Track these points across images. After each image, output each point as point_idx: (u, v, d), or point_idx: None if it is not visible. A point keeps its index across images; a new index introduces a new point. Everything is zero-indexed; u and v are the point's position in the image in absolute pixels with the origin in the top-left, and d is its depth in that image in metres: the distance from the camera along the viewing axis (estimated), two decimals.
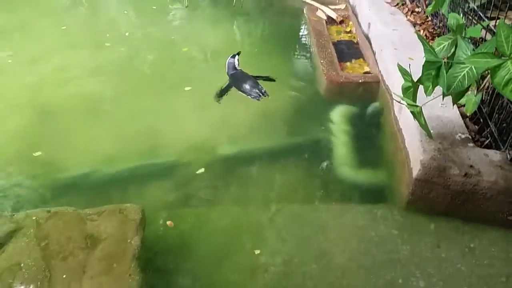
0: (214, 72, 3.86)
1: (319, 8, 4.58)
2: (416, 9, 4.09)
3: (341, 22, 4.51)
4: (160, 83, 3.73)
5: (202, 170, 2.79)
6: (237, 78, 3.65)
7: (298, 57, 4.17)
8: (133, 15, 4.89)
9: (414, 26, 3.81)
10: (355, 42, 4.22)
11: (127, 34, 4.42)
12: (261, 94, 3.51)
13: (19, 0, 5.37)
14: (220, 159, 2.91)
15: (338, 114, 3.30)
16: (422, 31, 3.75)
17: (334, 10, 4.56)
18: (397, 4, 4.22)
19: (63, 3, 5.19)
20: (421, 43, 2.12)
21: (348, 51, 4.07)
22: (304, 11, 4.68)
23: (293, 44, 4.36)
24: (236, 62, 3.74)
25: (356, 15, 4.46)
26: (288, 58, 4.13)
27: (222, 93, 3.56)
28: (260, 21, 4.78)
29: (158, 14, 4.84)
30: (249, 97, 3.52)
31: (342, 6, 4.68)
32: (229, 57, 3.75)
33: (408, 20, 3.92)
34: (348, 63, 3.87)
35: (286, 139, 3.14)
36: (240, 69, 3.72)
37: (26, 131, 3.10)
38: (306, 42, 4.34)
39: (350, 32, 4.39)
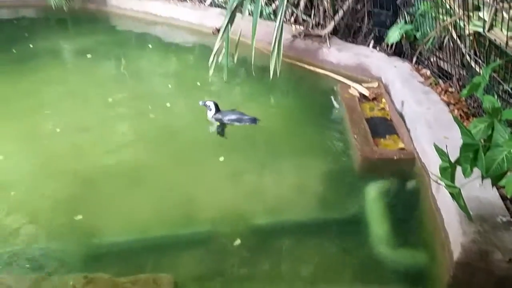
0: (248, 143, 4.02)
1: (352, 86, 4.78)
2: (450, 89, 4.21)
3: (374, 99, 4.66)
4: (196, 153, 3.90)
5: (238, 241, 2.82)
6: (224, 115, 4.32)
7: (332, 131, 4.29)
8: (175, 88, 5.22)
9: (448, 106, 3.89)
10: (389, 119, 4.33)
11: (168, 105, 4.71)
12: (255, 119, 4.26)
13: (72, 70, 5.91)
14: (254, 231, 2.95)
15: (374, 190, 3.31)
16: (456, 110, 3.83)
17: (366, 88, 4.74)
18: (430, 84, 4.36)
19: (111, 75, 5.63)
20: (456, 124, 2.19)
21: (382, 127, 4.17)
22: (337, 88, 4.88)
23: (327, 119, 4.51)
24: (212, 106, 4.32)
25: (389, 93, 4.61)
26: (322, 132, 4.25)
27: (222, 132, 4.20)
28: (295, 96, 5.00)
29: (198, 88, 5.16)
30: (246, 123, 4.25)
31: (375, 84, 4.87)
32: (204, 104, 4.35)
33: (442, 99, 4.02)
34: (381, 139, 3.94)
35: (320, 213, 3.16)
36: (220, 110, 4.32)
37: (68, 196, 3.26)
38: (339, 117, 4.48)
39: (383, 109, 4.52)
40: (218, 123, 4.33)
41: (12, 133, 4.19)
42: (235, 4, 4.01)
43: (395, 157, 3.59)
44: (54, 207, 3.15)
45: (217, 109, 4.35)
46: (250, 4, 4.78)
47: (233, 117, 4.33)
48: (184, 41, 6.83)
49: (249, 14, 4.62)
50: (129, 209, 3.16)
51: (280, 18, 4.03)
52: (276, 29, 4.03)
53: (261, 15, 5.89)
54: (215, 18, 6.71)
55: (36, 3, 8.35)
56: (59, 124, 4.29)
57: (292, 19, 6.26)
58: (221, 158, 3.74)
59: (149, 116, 4.49)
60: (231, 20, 4.14)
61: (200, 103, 4.41)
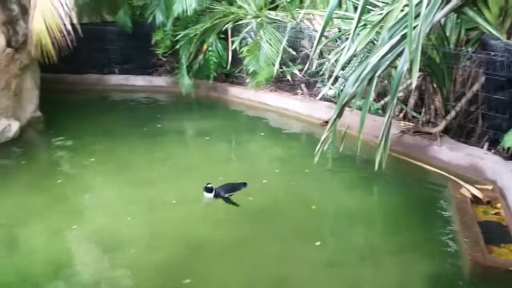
0: (346, 231, 4.05)
1: (464, 186, 4.63)
2: None
3: (488, 202, 4.43)
4: (294, 233, 4.06)
5: None
6: (223, 189, 4.75)
7: (438, 231, 4.14)
8: (281, 171, 5.56)
9: None
10: (504, 225, 4.05)
11: (264, 181, 5.07)
12: (245, 183, 4.90)
13: (191, 149, 6.66)
14: None
15: None
16: None
17: (480, 189, 4.55)
18: None
19: (224, 156, 6.23)
20: None
21: (496, 233, 3.91)
22: (447, 187, 4.76)
23: (433, 217, 4.38)
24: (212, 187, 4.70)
25: (504, 198, 4.36)
26: (427, 230, 4.13)
27: (229, 200, 4.65)
28: (399, 190, 4.96)
29: (298, 172, 5.44)
30: (241, 189, 4.82)
31: (489, 187, 4.65)
32: (206, 189, 4.68)
33: None
34: (495, 247, 3.69)
35: None
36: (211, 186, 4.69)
37: (178, 259, 3.62)
38: (448, 217, 4.32)
39: (498, 214, 4.26)
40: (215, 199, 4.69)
41: (138, 198, 4.82)
42: (345, 100, 4.34)
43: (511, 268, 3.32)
44: (167, 268, 3.51)
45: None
46: (359, 100, 5.08)
47: (229, 188, 4.80)
48: (292, 129, 7.33)
49: (357, 108, 4.89)
50: (230, 277, 3.40)
51: (390, 113, 4.22)
52: (384, 123, 4.21)
53: (369, 109, 6.15)
54: (323, 110, 7.14)
55: (169, 90, 9.74)
56: (176, 195, 4.84)
57: (401, 115, 6.40)
58: (318, 243, 3.82)
59: (252, 194, 4.83)
60: (340, 114, 4.45)
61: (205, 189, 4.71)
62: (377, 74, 4.25)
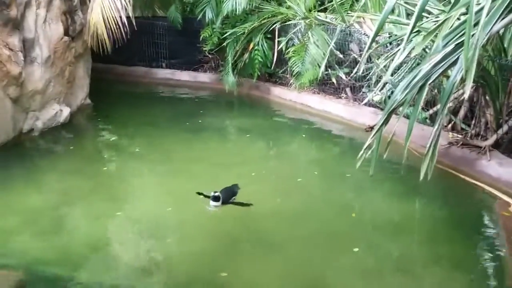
0: (386, 240, 4.01)
1: None
2: None
3: None
4: (333, 237, 4.06)
5: None
6: (226, 195, 4.62)
7: (482, 248, 4.01)
8: (320, 175, 5.53)
9: None
10: None
11: (299, 180, 5.04)
12: (236, 185, 4.83)
13: (231, 145, 6.75)
14: None
15: None
16: None
17: None
18: None
19: (263, 154, 6.28)
20: None
21: None
22: (495, 204, 4.59)
23: (478, 234, 4.23)
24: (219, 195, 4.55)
25: None
26: (470, 246, 4.00)
27: (240, 203, 4.57)
28: (443, 204, 4.83)
29: (338, 176, 5.41)
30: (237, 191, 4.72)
31: None
32: (214, 198, 4.52)
33: None
34: None
35: None
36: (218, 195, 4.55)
37: (211, 254, 3.70)
38: (494, 236, 4.17)
39: None
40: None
41: (179, 190, 4.96)
42: (394, 106, 4.27)
43: None
44: (203, 260, 3.63)
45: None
46: (408, 108, 4.98)
47: (229, 193, 4.69)
48: (334, 133, 7.26)
49: (404, 116, 4.79)
50: (264, 273, 3.47)
51: (440, 122, 4.11)
52: (433, 132, 4.11)
53: (417, 118, 6.01)
54: (367, 116, 7.05)
55: (212, 86, 9.92)
56: (215, 187, 4.92)
57: (449, 126, 6.21)
58: (356, 249, 3.79)
59: (292, 193, 4.89)
60: (386, 120, 4.38)
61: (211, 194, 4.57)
62: (429, 82, 4.16)
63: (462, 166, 5.36)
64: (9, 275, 3.35)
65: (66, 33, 6.50)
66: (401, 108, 4.40)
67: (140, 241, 4.02)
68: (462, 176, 5.21)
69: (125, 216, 4.41)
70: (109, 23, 6.23)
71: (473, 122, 5.94)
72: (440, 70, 4.17)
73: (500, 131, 5.39)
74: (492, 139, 5.36)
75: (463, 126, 6.11)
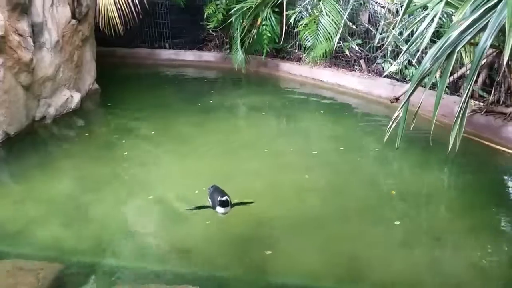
0: (422, 212, 4.06)
1: None
2: None
3: None
4: (367, 213, 4.07)
5: None
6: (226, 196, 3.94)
7: None
8: (344, 150, 5.48)
9: None
10: None
11: (337, 163, 5.05)
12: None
13: (244, 124, 6.72)
14: None
15: None
16: None
17: None
18: None
19: (282, 131, 6.25)
20: None
21: None
22: None
23: (509, 202, 4.27)
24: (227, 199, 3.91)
25: None
26: (506, 212, 4.04)
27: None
28: (474, 170, 4.84)
29: (363, 151, 5.43)
30: None
31: None
32: (222, 203, 3.89)
33: None
34: None
35: None
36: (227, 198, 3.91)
37: (249, 234, 3.73)
38: None
39: None
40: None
41: (203, 172, 4.92)
42: (422, 76, 4.23)
43: None
44: (244, 240, 3.65)
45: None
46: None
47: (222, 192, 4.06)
48: (351, 107, 7.22)
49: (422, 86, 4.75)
50: (298, 252, 3.49)
51: (468, 91, 4.09)
52: (462, 102, 4.09)
53: (436, 86, 5.97)
54: (384, 87, 7.00)
55: (218, 65, 9.83)
56: (238, 169, 4.92)
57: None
58: (397, 222, 3.83)
59: (319, 169, 4.88)
60: (414, 90, 4.35)
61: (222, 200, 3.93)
62: (457, 49, 4.11)
63: (486, 134, 5.36)
64: (47, 267, 3.30)
65: (73, 16, 6.38)
66: (427, 78, 4.37)
67: (174, 225, 3.99)
68: (488, 144, 5.22)
69: (153, 200, 4.39)
70: (119, 3, 6.09)
71: (493, 89, 5.90)
72: (469, 37, 4.12)
73: None
74: None
75: (481, 93, 6.08)
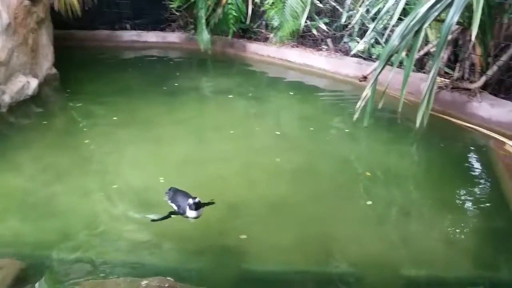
0: (393, 190, 4.09)
1: (508, 143, 4.59)
2: None
3: None
4: (339, 193, 4.08)
5: None
6: (191, 198, 3.61)
7: (483, 188, 4.14)
8: (315, 131, 5.47)
9: None
10: None
11: (306, 143, 5.02)
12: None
13: (213, 107, 6.58)
14: (401, 282, 2.95)
15: None
16: None
17: None
18: None
19: (250, 114, 6.15)
20: None
21: None
22: (490, 144, 4.73)
23: (478, 174, 4.39)
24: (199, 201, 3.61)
25: None
26: (473, 187, 4.15)
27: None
28: (441, 146, 4.95)
29: (337, 132, 5.43)
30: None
31: None
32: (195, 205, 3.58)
33: None
34: None
35: (473, 271, 3.06)
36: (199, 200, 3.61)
37: (219, 219, 3.66)
38: (492, 174, 4.31)
39: None
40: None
41: (168, 158, 4.79)
42: (391, 53, 4.22)
43: None
44: (215, 226, 3.58)
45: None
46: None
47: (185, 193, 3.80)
48: (319, 87, 7.19)
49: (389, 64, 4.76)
50: (272, 237, 3.45)
51: (436, 68, 4.11)
52: (430, 79, 4.12)
53: (402, 64, 6.02)
54: (351, 67, 7.01)
55: (182, 46, 9.57)
56: (205, 154, 4.81)
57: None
58: (369, 202, 3.84)
59: (290, 151, 4.85)
60: (383, 68, 4.34)
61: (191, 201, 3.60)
62: (425, 26, 4.11)
63: (452, 110, 5.46)
64: (10, 264, 3.15)
65: None
66: (395, 56, 4.37)
67: (141, 214, 3.86)
68: (454, 120, 5.32)
69: (118, 190, 4.23)
70: None
71: (457, 65, 5.99)
72: (436, 13, 4.12)
73: (489, 72, 5.47)
74: (481, 81, 5.45)
75: (446, 70, 6.17)
